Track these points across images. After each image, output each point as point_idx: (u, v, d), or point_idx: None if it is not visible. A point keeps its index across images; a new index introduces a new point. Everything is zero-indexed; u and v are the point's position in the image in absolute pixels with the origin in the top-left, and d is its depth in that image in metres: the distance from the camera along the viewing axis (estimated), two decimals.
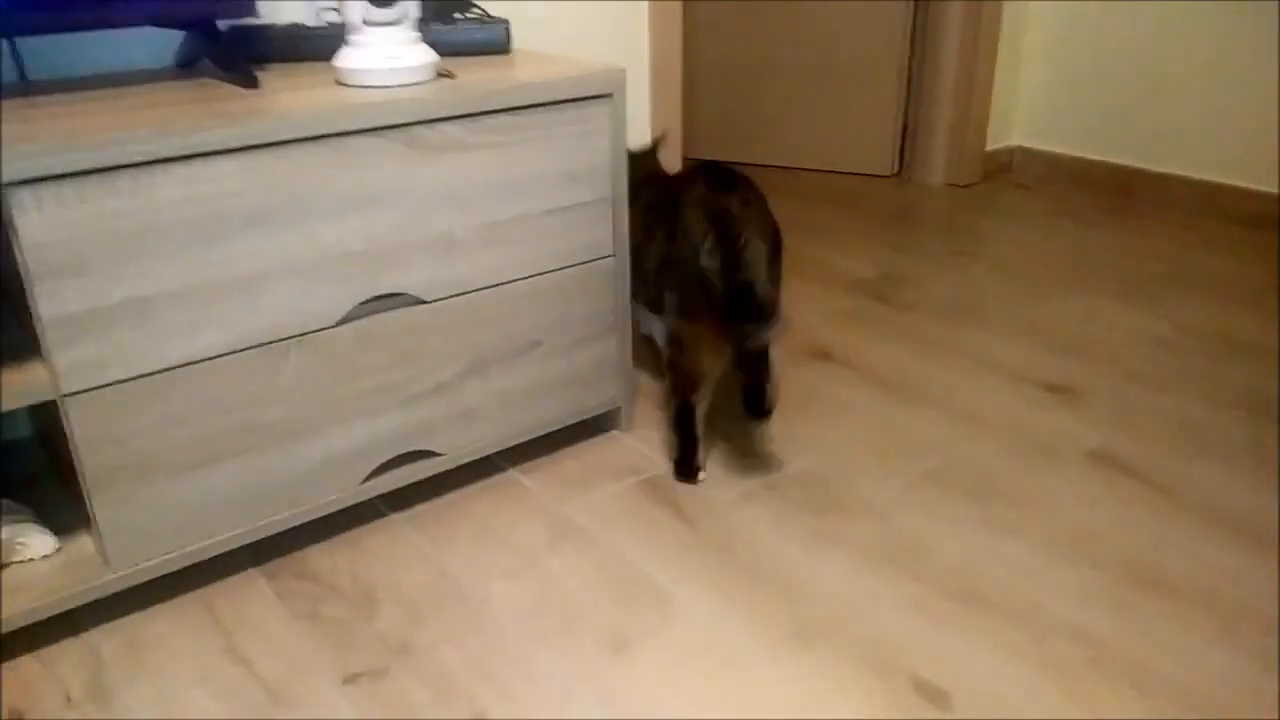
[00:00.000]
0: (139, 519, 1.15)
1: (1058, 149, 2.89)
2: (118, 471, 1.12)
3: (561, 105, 1.33)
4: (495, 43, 1.51)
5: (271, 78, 1.33)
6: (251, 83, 1.27)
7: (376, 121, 1.18)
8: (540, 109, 1.31)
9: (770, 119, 3.08)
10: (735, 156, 3.15)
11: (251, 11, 1.39)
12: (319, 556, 1.31)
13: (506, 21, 1.51)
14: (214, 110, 1.13)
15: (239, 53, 1.37)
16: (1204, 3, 2.46)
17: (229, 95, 1.22)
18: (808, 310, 2.06)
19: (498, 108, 1.27)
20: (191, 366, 1.13)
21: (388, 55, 1.26)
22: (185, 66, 1.44)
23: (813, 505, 1.40)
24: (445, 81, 1.29)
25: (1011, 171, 3.00)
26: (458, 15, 1.53)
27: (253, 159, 1.10)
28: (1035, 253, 2.37)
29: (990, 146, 2.92)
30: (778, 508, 1.40)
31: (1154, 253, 2.35)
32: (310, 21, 1.47)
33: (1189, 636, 1.14)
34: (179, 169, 1.06)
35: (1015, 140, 2.99)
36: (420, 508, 1.41)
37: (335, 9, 1.49)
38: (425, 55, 1.29)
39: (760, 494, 1.43)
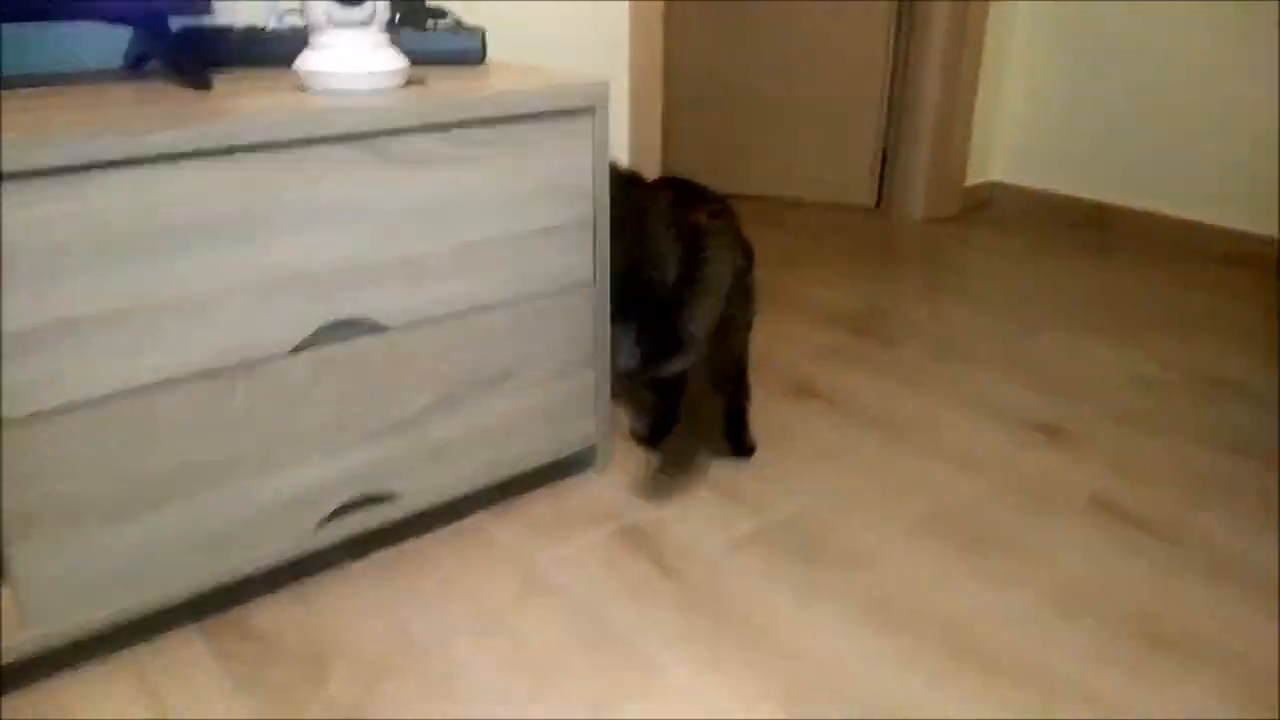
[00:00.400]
0: (62, 571, 1.02)
1: (1037, 185, 2.85)
2: (38, 516, 0.98)
3: (541, 119, 1.23)
4: (470, 53, 1.41)
5: (227, 81, 1.21)
6: (204, 85, 1.16)
7: (340, 129, 1.07)
8: (518, 122, 1.21)
9: (749, 148, 3.01)
10: (712, 184, 3.07)
11: (206, 10, 1.28)
12: (265, 612, 1.18)
13: (482, 30, 1.41)
14: (160, 112, 1.02)
15: (192, 54, 1.25)
16: (1182, 42, 2.44)
17: (179, 97, 1.11)
18: (789, 345, 1.97)
19: (472, 119, 1.17)
20: (126, 397, 1.01)
21: (354, 59, 1.15)
22: (133, 68, 1.32)
23: (803, 556, 1.30)
24: (416, 89, 1.19)
25: (990, 207, 2.96)
26: (430, 22, 1.43)
27: (201, 166, 0.99)
28: (1017, 289, 2.31)
29: (969, 182, 2.88)
30: (766, 558, 1.30)
31: (1136, 290, 2.30)
32: (271, 24, 1.36)
33: (1205, 697, 1.06)
34: (118, 175, 0.94)
35: (995, 176, 2.95)
36: (377, 556, 1.29)
37: (298, 11, 1.38)
38: (395, 60, 1.19)
39: (747, 543, 1.33)
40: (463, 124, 1.16)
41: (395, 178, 1.13)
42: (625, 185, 1.53)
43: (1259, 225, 2.42)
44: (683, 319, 1.23)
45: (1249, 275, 2.41)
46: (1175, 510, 1.41)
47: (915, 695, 1.06)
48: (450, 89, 1.20)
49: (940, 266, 2.48)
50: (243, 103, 1.08)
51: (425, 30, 1.40)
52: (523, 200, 1.25)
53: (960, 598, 1.22)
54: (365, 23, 1.15)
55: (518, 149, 1.22)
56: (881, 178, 2.92)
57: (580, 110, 1.27)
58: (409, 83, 1.22)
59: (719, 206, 1.39)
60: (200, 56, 1.27)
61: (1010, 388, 1.80)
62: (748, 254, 1.42)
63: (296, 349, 1.11)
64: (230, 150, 1.00)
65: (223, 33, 1.33)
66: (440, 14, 1.47)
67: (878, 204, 2.95)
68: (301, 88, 1.17)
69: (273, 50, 1.33)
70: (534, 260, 1.29)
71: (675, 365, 1.24)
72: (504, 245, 1.25)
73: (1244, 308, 2.21)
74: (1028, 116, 2.82)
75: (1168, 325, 2.11)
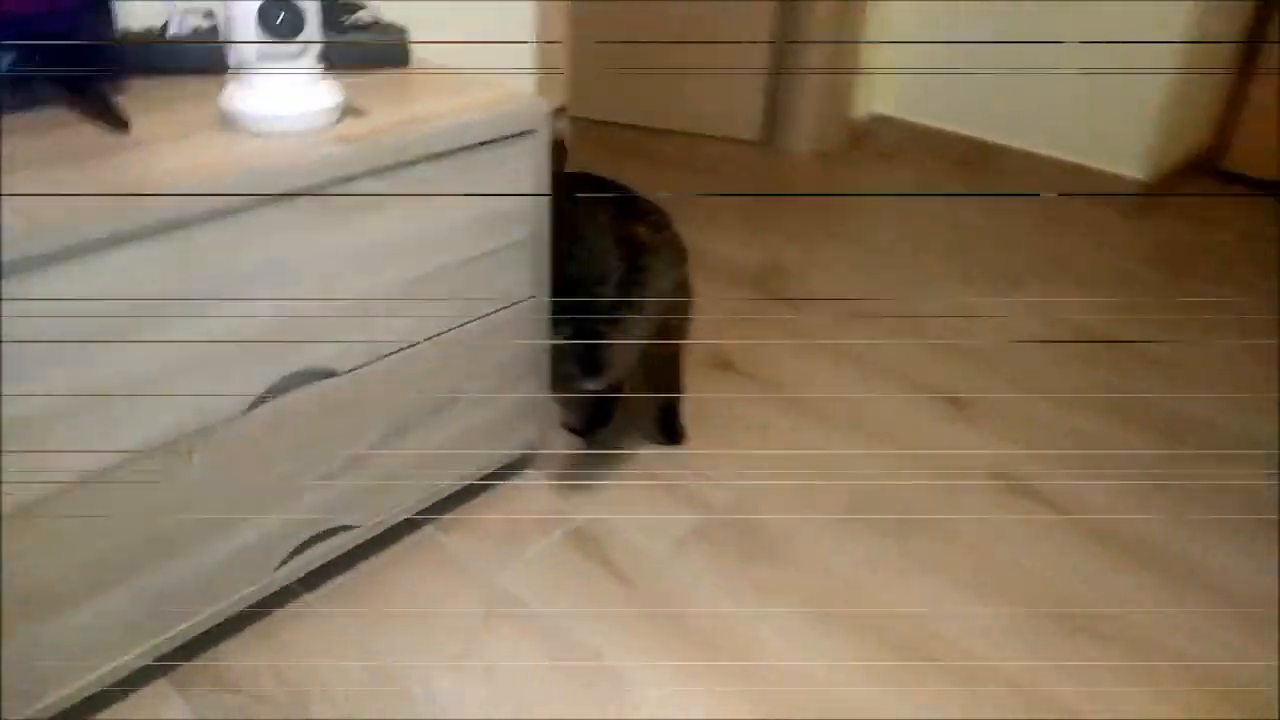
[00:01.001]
0: (28, 661, 0.99)
1: (919, 119, 2.94)
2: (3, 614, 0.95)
3: (485, 146, 1.20)
4: (393, 56, 1.34)
5: (137, 108, 1.11)
6: (120, 125, 1.07)
7: (289, 187, 1.02)
8: (463, 153, 1.18)
9: (638, 80, 2.96)
10: (599, 115, 3.03)
11: (108, 24, 1.17)
12: (235, 656, 1.18)
13: (404, 30, 1.34)
14: (88, 180, 0.94)
15: (95, 77, 1.15)
16: None
17: (97, 148, 1.02)
18: (702, 310, 2.01)
19: (418, 157, 1.13)
20: (81, 487, 0.97)
21: (289, 97, 1.09)
22: (16, 85, 1.19)
23: (746, 552, 1.39)
24: (355, 124, 1.13)
25: (874, 140, 3.03)
26: (345, 20, 1.35)
27: (144, 248, 0.93)
28: (907, 237, 2.41)
29: (854, 114, 2.94)
30: (712, 557, 1.38)
31: (1018, 238, 2.44)
32: (173, 27, 1.25)
33: (1117, 678, 1.22)
34: (55, 270, 0.88)
35: (877, 109, 3.01)
36: (337, 582, 1.30)
37: (206, 11, 1.28)
38: (332, 93, 1.12)
39: (692, 541, 1.40)
40: (410, 162, 1.13)
41: (341, 225, 1.09)
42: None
43: (1126, 168, 2.58)
44: (605, 347, 1.28)
45: (1116, 216, 2.59)
46: (1071, 484, 1.56)
47: (868, 696, 1.18)
48: (390, 121, 1.15)
49: (833, 209, 2.56)
50: (173, 156, 1.01)
51: (342, 24, 1.32)
52: (467, 227, 1.23)
53: (890, 589, 1.34)
54: (299, 55, 1.09)
55: (460, 177, 1.19)
56: (769, 112, 2.93)
57: (523, 133, 1.24)
58: (345, 113, 1.16)
59: (659, 218, 1.40)
60: (104, 76, 1.16)
61: (914, 353, 1.91)
62: (685, 258, 1.44)
63: (249, 409, 1.09)
64: (174, 227, 0.95)
65: (121, 38, 1.22)
66: (355, 8, 1.38)
67: (764, 138, 2.98)
68: (228, 124, 1.10)
69: (180, 60, 1.23)
70: (478, 284, 1.28)
71: (591, 389, 1.30)
72: (448, 275, 1.24)
73: (1114, 254, 2.39)
74: (913, 51, 2.87)
75: (1048, 274, 2.26)
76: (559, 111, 1.56)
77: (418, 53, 1.36)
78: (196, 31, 1.27)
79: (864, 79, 2.90)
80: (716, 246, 2.29)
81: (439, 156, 1.15)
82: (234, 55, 1.08)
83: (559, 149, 1.52)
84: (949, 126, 2.88)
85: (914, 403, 1.75)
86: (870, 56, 2.88)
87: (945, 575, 1.37)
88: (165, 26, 1.25)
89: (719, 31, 2.84)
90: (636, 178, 1.54)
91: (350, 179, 1.08)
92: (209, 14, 1.28)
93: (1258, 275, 2.31)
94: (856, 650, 1.24)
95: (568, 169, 1.58)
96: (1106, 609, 1.32)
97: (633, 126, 3.03)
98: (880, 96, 2.99)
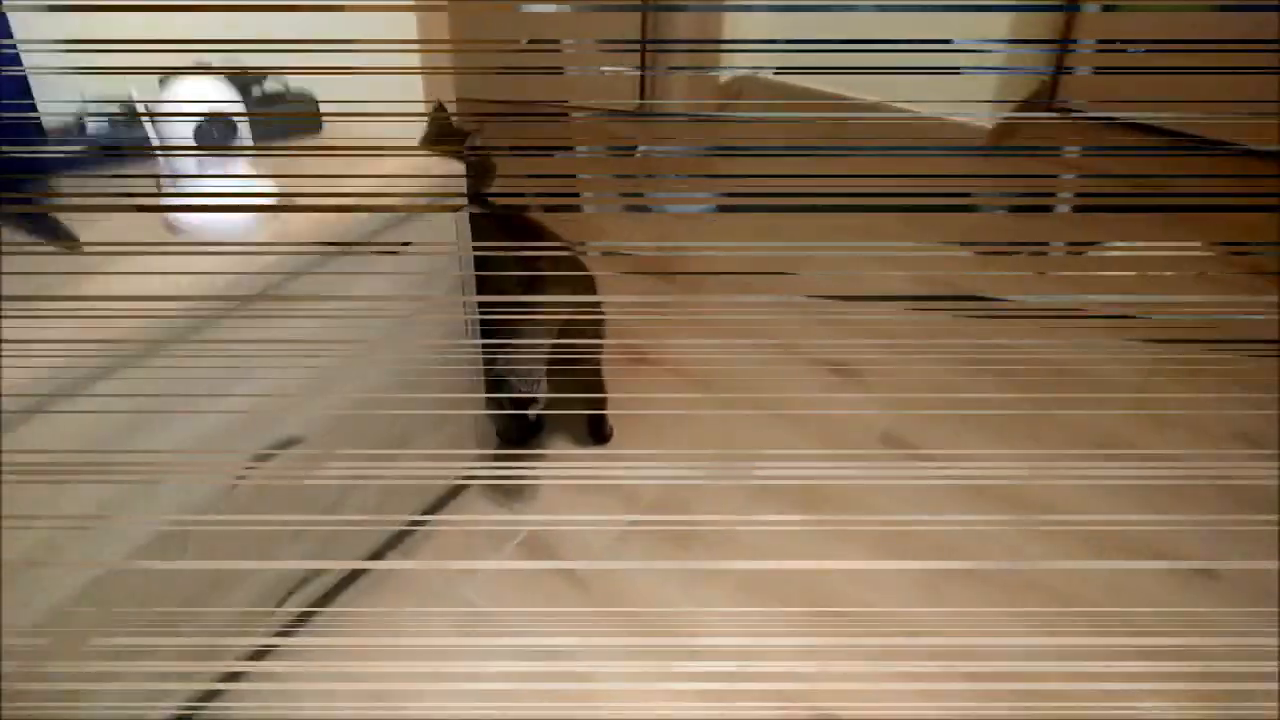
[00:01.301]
0: None
1: (782, 78, 3.08)
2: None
3: (412, 216, 1.31)
4: (310, 125, 1.41)
5: (77, 216, 1.16)
6: (71, 243, 1.12)
7: (248, 290, 1.11)
8: (394, 225, 1.28)
9: (520, 58, 3.01)
10: (472, 93, 3.06)
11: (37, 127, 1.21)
12: (242, 703, 1.30)
13: (315, 100, 1.41)
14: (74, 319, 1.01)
15: (25, 181, 1.19)
16: None
17: (52, 277, 1.07)
18: (611, 304, 2.16)
19: (356, 239, 1.23)
20: (89, 593, 1.07)
21: (228, 200, 1.16)
22: None
23: (680, 540, 1.57)
24: (293, 220, 1.21)
25: (741, 100, 3.16)
26: (256, 89, 1.40)
27: (126, 376, 1.02)
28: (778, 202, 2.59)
29: (723, 78, 3.06)
30: (650, 548, 1.55)
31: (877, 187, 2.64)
32: (90, 123, 1.29)
33: (995, 613, 1.46)
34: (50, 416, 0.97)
35: (743, 70, 3.14)
36: (319, 621, 1.42)
37: (122, 100, 1.31)
38: (267, 189, 1.20)
39: (629, 534, 1.58)
40: (349, 246, 1.22)
41: (292, 313, 1.19)
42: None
43: (975, 113, 2.81)
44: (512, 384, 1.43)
45: (974, 161, 2.82)
46: (948, 439, 1.79)
47: (802, 662, 1.38)
48: (326, 211, 1.23)
49: (706, 175, 2.71)
50: (134, 278, 1.08)
51: (252, 99, 1.37)
52: (400, 288, 1.34)
53: (809, 559, 1.54)
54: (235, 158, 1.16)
55: (390, 247, 1.30)
56: (642, 80, 3.04)
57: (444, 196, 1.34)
58: (279, 203, 1.23)
59: (561, 251, 1.53)
60: (32, 180, 1.21)
61: (799, 324, 2.10)
62: (590, 287, 1.58)
63: (232, 487, 1.19)
64: (149, 352, 1.03)
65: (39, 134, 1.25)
66: (261, 76, 1.43)
67: (640, 104, 3.08)
68: (171, 230, 1.17)
69: (99, 160, 1.28)
70: (415, 335, 1.39)
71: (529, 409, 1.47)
72: (388, 333, 1.35)
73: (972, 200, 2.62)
74: (771, 8, 3.00)
75: (908, 227, 2.47)
76: (478, 130, 1.60)
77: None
78: (114, 122, 1.31)
79: (732, 40, 3.02)
80: (605, 226, 2.42)
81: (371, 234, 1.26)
82: (168, 165, 1.15)
83: (483, 169, 1.60)
84: (812, 84, 3.04)
85: (809, 376, 1.95)
86: (734, 18, 2.99)
87: (855, 542, 1.58)
88: (82, 124, 1.29)
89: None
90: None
91: (300, 272, 1.17)
92: (124, 102, 1.32)
93: (1113, 217, 2.58)
94: (785, 620, 1.44)
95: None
96: (988, 553, 1.57)
97: (519, 102, 3.09)
98: (744, 57, 3.11)
